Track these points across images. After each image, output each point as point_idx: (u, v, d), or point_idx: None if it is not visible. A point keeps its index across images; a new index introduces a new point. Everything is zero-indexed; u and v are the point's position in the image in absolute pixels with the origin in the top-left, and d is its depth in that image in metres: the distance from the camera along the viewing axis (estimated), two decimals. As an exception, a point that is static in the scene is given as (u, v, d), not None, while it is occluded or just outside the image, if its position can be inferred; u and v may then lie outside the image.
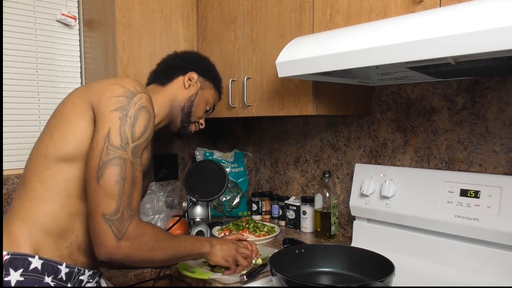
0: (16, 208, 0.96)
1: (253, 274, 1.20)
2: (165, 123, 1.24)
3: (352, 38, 0.98)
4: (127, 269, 1.33)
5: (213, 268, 1.27)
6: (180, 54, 1.34)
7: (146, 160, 1.04)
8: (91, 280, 1.03)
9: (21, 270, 0.89)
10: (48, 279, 0.92)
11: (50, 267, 0.93)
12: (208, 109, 1.33)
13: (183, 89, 1.25)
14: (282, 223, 1.82)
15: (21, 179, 1.00)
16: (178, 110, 1.24)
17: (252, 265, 1.29)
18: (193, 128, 1.31)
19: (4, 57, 1.62)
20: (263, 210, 1.90)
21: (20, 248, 0.91)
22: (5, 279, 0.87)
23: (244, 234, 1.58)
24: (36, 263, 0.91)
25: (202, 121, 1.32)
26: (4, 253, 0.89)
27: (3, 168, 1.62)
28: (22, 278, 0.89)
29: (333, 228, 1.58)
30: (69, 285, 0.96)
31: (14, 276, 0.88)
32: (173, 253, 1.02)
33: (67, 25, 1.78)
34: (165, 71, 1.27)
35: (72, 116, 0.97)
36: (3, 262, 0.88)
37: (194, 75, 1.26)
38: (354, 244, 1.47)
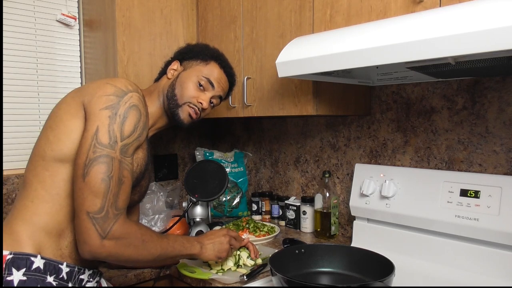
0: (18, 208, 0.97)
1: (253, 274, 1.20)
2: (165, 120, 1.21)
3: (352, 38, 0.98)
4: (127, 269, 1.33)
5: (211, 266, 1.27)
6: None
7: (142, 160, 1.04)
8: (91, 280, 1.03)
9: (23, 270, 0.89)
10: (50, 279, 0.92)
11: (51, 266, 0.93)
12: (201, 83, 1.19)
13: (166, 79, 1.22)
14: (282, 223, 1.82)
15: (22, 180, 1.01)
16: (166, 100, 1.19)
17: (252, 265, 1.29)
18: (188, 110, 1.18)
19: (4, 57, 1.62)
20: (263, 210, 1.90)
21: (22, 247, 0.91)
22: (8, 278, 0.88)
23: (244, 234, 1.58)
24: (38, 262, 0.91)
25: (200, 99, 1.18)
26: (7, 252, 0.90)
27: (3, 168, 1.62)
28: (24, 278, 0.89)
29: (333, 228, 1.58)
30: (70, 284, 0.96)
31: (16, 276, 0.88)
32: (160, 253, 1.01)
33: (67, 25, 1.78)
34: (162, 68, 1.28)
35: (66, 117, 0.97)
36: (6, 261, 0.89)
37: (175, 64, 1.24)
38: (354, 244, 1.47)
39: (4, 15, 1.61)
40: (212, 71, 1.22)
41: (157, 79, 1.27)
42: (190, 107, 1.18)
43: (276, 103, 1.45)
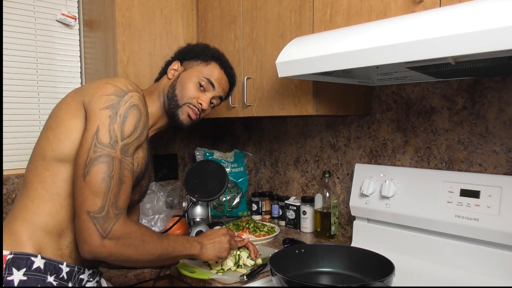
0: (18, 208, 0.97)
1: (253, 274, 1.20)
2: (165, 120, 1.21)
3: (352, 38, 0.98)
4: (127, 269, 1.33)
5: (211, 266, 1.27)
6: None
7: (142, 160, 1.04)
8: (91, 279, 1.03)
9: (24, 270, 0.89)
10: (50, 279, 0.93)
11: (52, 266, 0.93)
12: (201, 84, 1.19)
13: (167, 79, 1.22)
14: (282, 223, 1.82)
15: (22, 180, 1.01)
16: (166, 100, 1.19)
17: (252, 265, 1.29)
18: (188, 111, 1.18)
19: (4, 57, 1.62)
20: (263, 210, 1.90)
21: (22, 247, 0.91)
22: (8, 278, 0.88)
23: (244, 234, 1.58)
24: (38, 262, 0.91)
25: (200, 100, 1.19)
26: (7, 252, 0.90)
27: (3, 168, 1.62)
28: (25, 278, 0.89)
29: (333, 228, 1.58)
30: (70, 284, 0.96)
31: (17, 276, 0.88)
32: (161, 254, 1.01)
33: (67, 25, 1.78)
34: (162, 68, 1.28)
35: (66, 117, 0.97)
36: (6, 261, 0.89)
37: (175, 64, 1.23)
38: (354, 244, 1.47)
39: (4, 15, 1.61)
40: (213, 71, 1.22)
41: (157, 79, 1.27)
42: (190, 107, 1.18)
43: (276, 103, 1.45)
